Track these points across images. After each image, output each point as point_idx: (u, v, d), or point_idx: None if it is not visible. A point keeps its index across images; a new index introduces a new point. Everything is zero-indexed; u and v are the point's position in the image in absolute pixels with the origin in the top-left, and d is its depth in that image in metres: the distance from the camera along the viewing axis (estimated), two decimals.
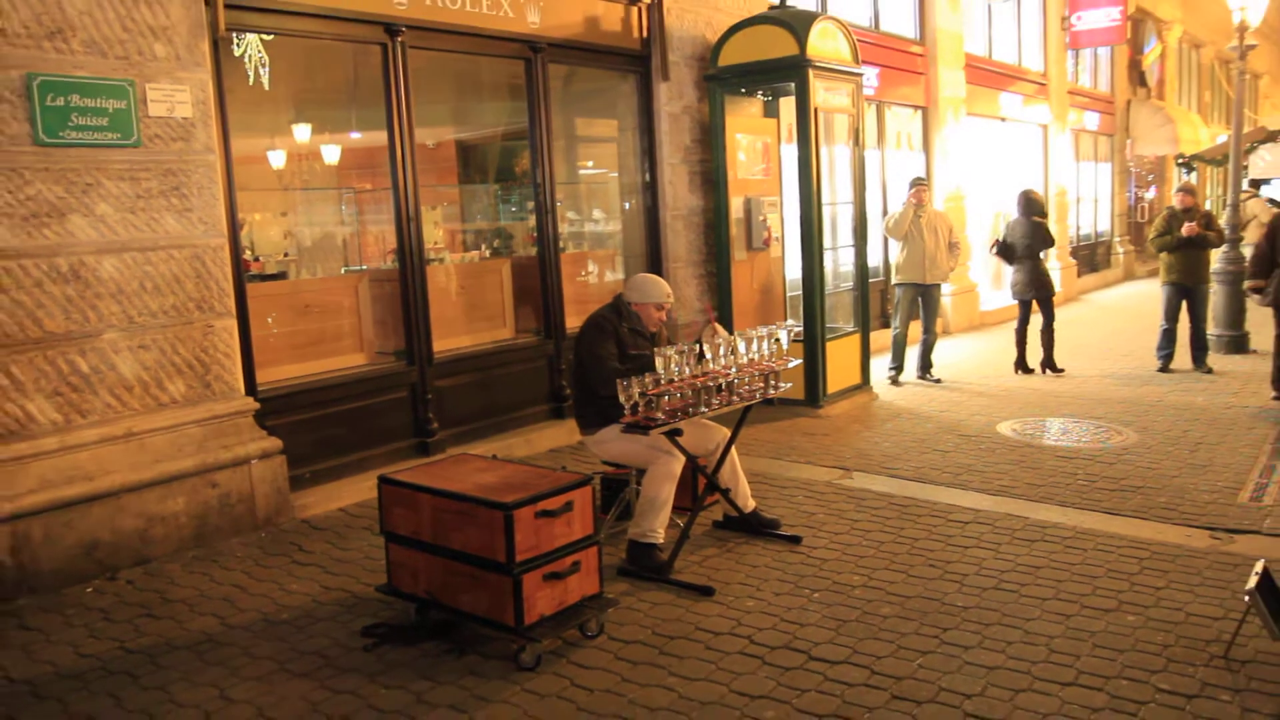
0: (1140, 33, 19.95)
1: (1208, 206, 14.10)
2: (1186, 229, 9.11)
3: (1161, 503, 5.48)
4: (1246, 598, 3.53)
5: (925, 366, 9.38)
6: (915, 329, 9.49)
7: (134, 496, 4.85)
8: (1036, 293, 9.53)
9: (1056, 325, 9.72)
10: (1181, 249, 9.26)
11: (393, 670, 3.72)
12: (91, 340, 4.76)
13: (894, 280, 8.89)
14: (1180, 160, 19.43)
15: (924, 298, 9.28)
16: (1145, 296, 15.27)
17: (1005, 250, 9.57)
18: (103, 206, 4.77)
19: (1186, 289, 9.35)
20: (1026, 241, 9.43)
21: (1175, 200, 9.54)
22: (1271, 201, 15.25)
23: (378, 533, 4.22)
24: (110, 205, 4.80)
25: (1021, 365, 9.71)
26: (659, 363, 4.31)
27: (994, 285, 15.14)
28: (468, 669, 3.71)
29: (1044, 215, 9.81)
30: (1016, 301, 9.75)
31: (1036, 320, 9.61)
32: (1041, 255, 9.58)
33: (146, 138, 4.90)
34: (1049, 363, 9.67)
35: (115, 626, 4.21)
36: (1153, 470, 6.10)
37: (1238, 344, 10.34)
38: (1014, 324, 9.83)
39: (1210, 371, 9.27)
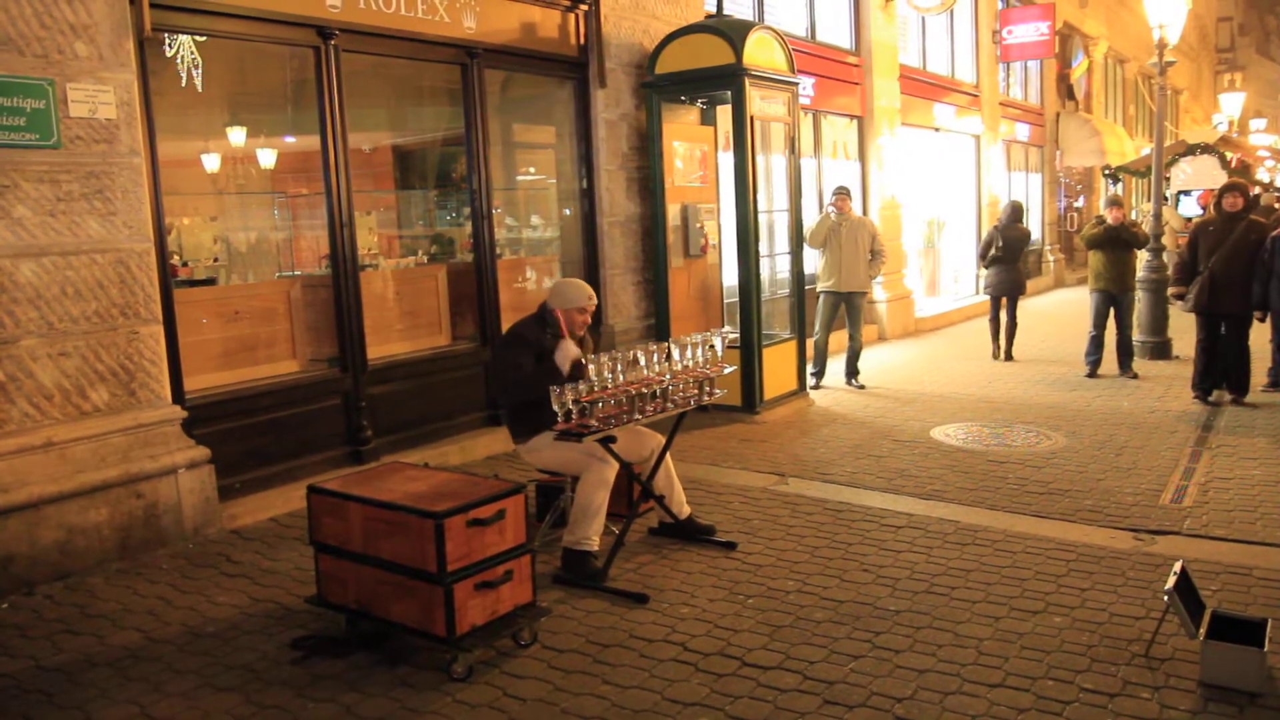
0: (1068, 47, 20.47)
1: (1133, 215, 14.45)
2: (1113, 217, 9.48)
3: (1088, 505, 5.61)
4: (1166, 598, 3.63)
5: (852, 373, 9.50)
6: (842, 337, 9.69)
7: (54, 508, 4.70)
8: (1012, 291, 10.67)
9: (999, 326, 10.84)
10: (1109, 249, 9.53)
11: (322, 683, 3.66)
12: (8, 347, 4.61)
13: (817, 287, 9.14)
14: (1107, 171, 19.96)
15: (846, 305, 9.44)
16: (1074, 303, 15.65)
17: (1000, 253, 10.53)
18: (20, 209, 4.62)
19: (1113, 296, 9.63)
20: (1016, 246, 10.60)
21: (1105, 213, 9.83)
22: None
23: (308, 543, 4.14)
24: (28, 208, 4.65)
25: (998, 354, 10.90)
26: (591, 369, 4.29)
27: (928, 292, 15.40)
28: (399, 680, 3.66)
29: (1023, 221, 11.13)
30: (990, 298, 10.91)
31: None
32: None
33: (67, 139, 4.77)
34: (1008, 353, 10.86)
35: (31, 643, 4.07)
36: (1080, 474, 6.24)
37: (1161, 350, 10.64)
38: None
39: (1136, 376, 9.53)
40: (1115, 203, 9.86)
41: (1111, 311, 9.68)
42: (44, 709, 3.54)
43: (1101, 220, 9.69)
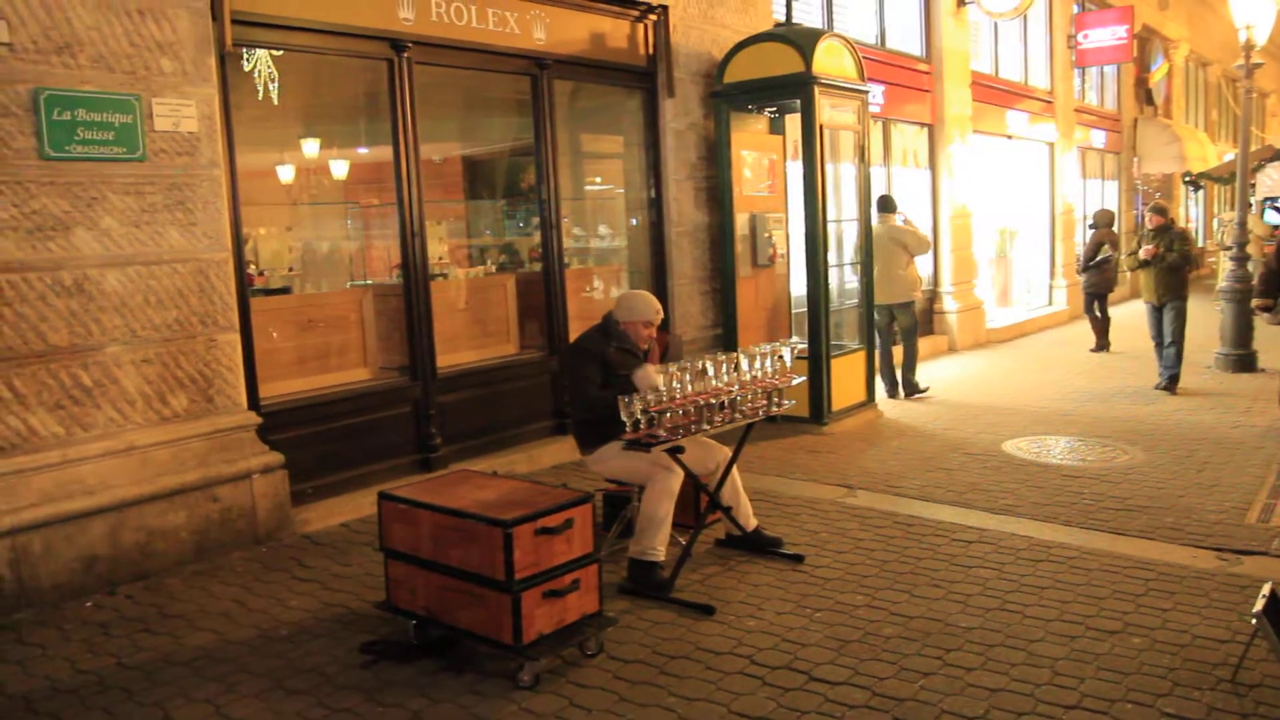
0: (1147, 51, 19.95)
1: (1214, 224, 14.08)
2: (1144, 251, 9.26)
3: (1168, 523, 5.44)
4: (1254, 620, 3.49)
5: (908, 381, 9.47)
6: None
7: (135, 510, 4.84)
8: (1108, 288, 12.00)
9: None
10: (1147, 267, 9.34)
11: (390, 688, 3.70)
12: (94, 354, 4.77)
13: (915, 299, 9.08)
14: (1187, 178, 19.39)
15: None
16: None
17: (1101, 258, 11.93)
18: (107, 220, 4.78)
19: (1157, 308, 9.40)
20: (1110, 249, 12.00)
21: (1147, 220, 9.57)
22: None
23: (378, 549, 4.20)
24: (115, 219, 4.81)
25: (1101, 347, 12.11)
26: (660, 380, 4.28)
27: (1000, 302, 15.11)
28: (466, 687, 3.69)
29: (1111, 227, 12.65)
30: (1090, 296, 12.17)
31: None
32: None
33: (152, 152, 4.92)
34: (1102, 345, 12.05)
35: (113, 642, 4.19)
36: (1159, 490, 6.06)
37: (1245, 363, 10.27)
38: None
39: (1175, 394, 9.13)
40: (1159, 210, 9.59)
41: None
42: (125, 705, 3.64)
43: (1144, 234, 9.51)
